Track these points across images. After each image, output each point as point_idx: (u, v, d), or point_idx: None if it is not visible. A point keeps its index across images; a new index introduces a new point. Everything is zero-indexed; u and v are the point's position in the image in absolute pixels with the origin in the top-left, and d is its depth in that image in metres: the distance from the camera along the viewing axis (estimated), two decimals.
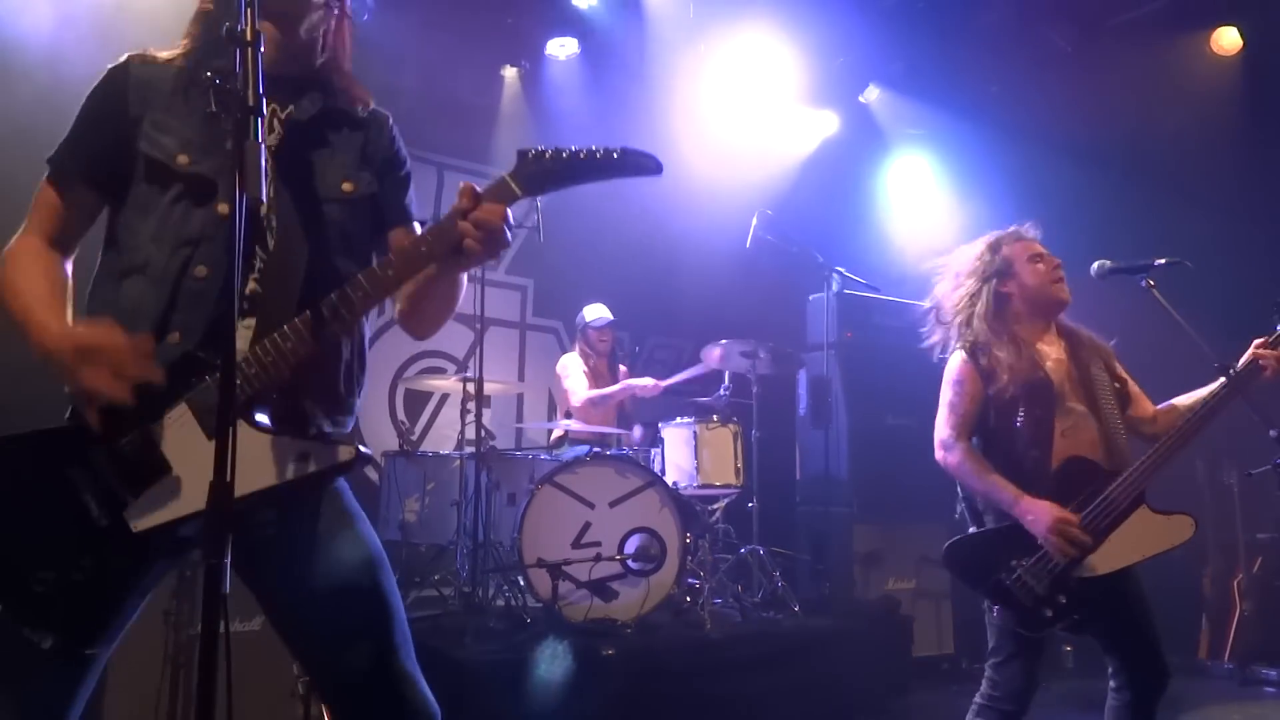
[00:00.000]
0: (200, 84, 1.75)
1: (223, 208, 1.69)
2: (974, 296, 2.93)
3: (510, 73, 6.92)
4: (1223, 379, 2.69)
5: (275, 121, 1.79)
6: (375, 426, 6.30)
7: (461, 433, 5.18)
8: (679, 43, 6.55)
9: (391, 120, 1.97)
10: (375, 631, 1.73)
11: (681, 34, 6.52)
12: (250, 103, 1.41)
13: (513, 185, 1.67)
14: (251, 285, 1.71)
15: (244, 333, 1.67)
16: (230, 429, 1.33)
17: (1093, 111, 6.38)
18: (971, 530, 2.88)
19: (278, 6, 1.74)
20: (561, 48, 6.73)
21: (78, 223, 1.79)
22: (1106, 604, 2.69)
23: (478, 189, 1.67)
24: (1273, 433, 2.73)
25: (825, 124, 7.49)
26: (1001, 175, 6.61)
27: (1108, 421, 2.78)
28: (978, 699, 2.81)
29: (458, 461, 5.11)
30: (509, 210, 1.67)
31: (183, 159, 1.71)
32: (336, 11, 1.87)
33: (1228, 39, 6.29)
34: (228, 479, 1.32)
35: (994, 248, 2.97)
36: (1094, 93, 6.37)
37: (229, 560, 1.30)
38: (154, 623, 2.92)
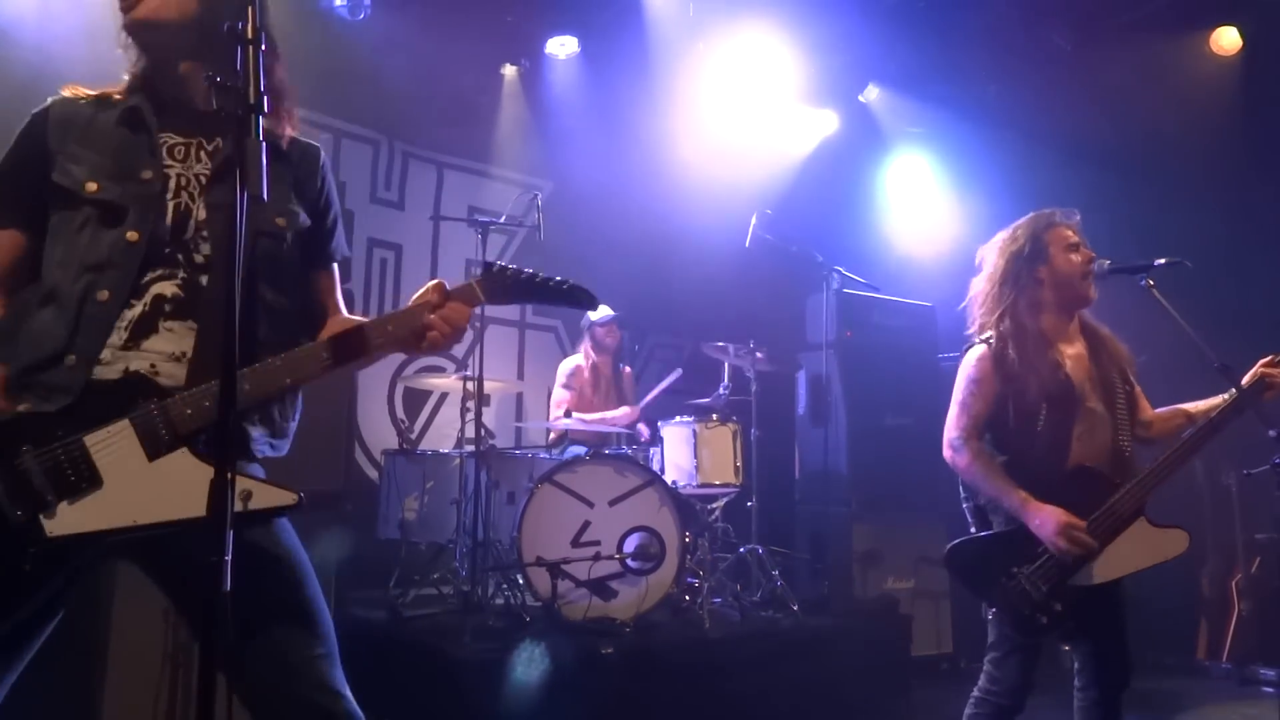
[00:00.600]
0: (122, 114, 1.81)
1: (131, 234, 1.73)
2: (1006, 278, 2.89)
3: (510, 71, 6.91)
4: (1232, 391, 2.70)
5: (202, 154, 1.84)
6: (375, 425, 6.29)
7: (461, 431, 5.17)
8: (679, 42, 6.54)
9: (323, 158, 2.03)
10: (293, 636, 1.71)
11: (681, 33, 6.51)
12: (251, 100, 1.41)
13: (478, 291, 1.87)
14: (173, 289, 1.74)
15: (173, 336, 1.73)
16: (230, 432, 1.34)
17: (1092, 111, 6.39)
18: (974, 533, 2.88)
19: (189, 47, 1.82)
20: (561, 46, 6.73)
21: (8, 266, 1.79)
22: (1087, 603, 2.70)
23: (448, 287, 1.84)
24: (1271, 433, 2.74)
25: (825, 123, 7.50)
26: (1001, 175, 6.61)
27: (1120, 424, 2.79)
28: (975, 693, 2.83)
29: (457, 460, 5.11)
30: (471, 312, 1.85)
31: (91, 185, 1.75)
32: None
33: (1227, 39, 6.29)
34: (227, 481, 1.32)
35: (1032, 230, 2.92)
36: (1093, 93, 6.37)
37: (229, 558, 1.30)
38: (153, 621, 2.92)
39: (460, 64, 6.42)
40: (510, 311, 7.12)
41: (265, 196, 1.39)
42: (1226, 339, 2.92)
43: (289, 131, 1.95)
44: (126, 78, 1.89)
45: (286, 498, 1.66)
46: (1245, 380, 2.73)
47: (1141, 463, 2.75)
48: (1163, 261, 2.83)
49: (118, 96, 1.87)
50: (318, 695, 1.69)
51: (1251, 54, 6.25)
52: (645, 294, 6.81)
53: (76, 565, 1.68)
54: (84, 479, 1.60)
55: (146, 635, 2.88)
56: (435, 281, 1.85)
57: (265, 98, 1.77)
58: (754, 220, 5.67)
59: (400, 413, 6.45)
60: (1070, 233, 2.90)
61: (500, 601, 4.55)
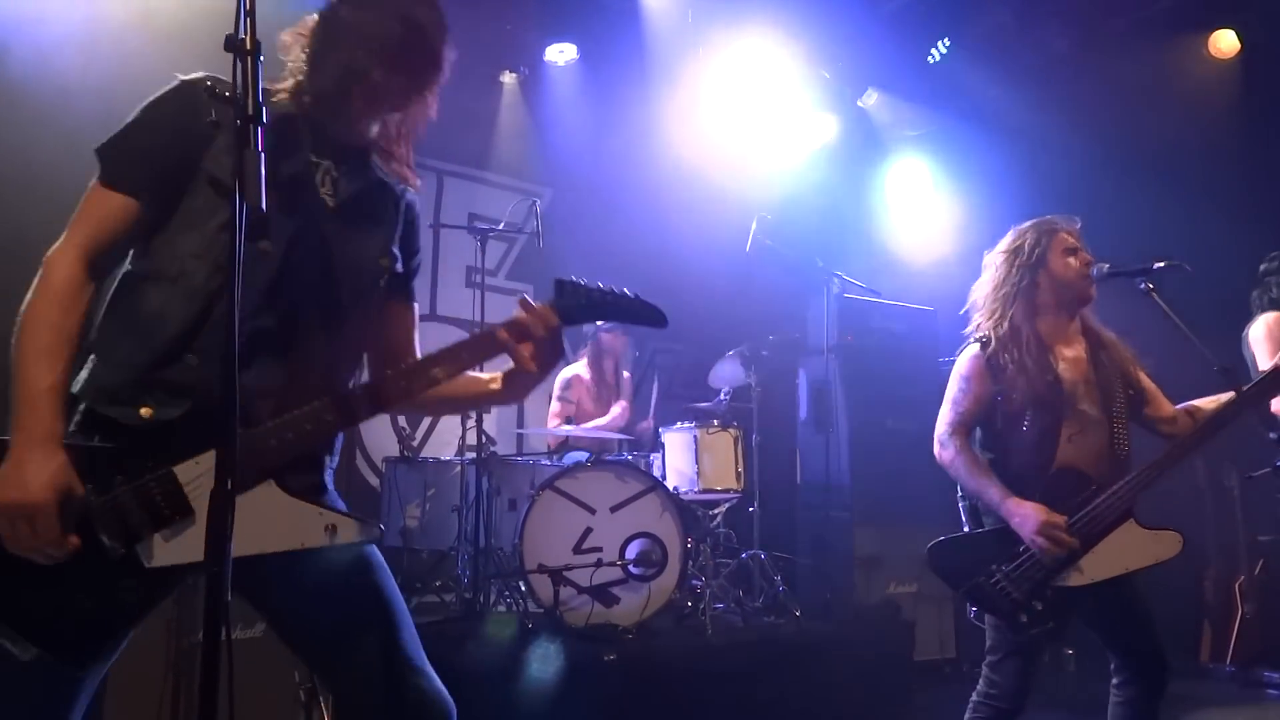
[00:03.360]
0: (274, 121, 1.73)
1: (265, 244, 1.67)
2: (1005, 282, 2.92)
3: (509, 79, 6.93)
4: (1232, 394, 2.70)
5: (328, 179, 1.82)
6: (376, 433, 6.29)
7: (462, 438, 5.17)
8: (677, 48, 6.55)
9: (418, 207, 2.04)
10: (376, 628, 1.75)
11: (680, 39, 6.52)
12: (250, 111, 1.41)
13: (553, 315, 1.85)
14: (272, 321, 1.71)
15: (267, 368, 1.70)
16: (233, 437, 1.34)
17: (1091, 115, 6.39)
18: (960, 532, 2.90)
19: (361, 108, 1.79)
20: (560, 54, 6.74)
21: (125, 237, 1.69)
22: (1100, 605, 2.72)
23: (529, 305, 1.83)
24: (1272, 435, 2.74)
25: (824, 128, 7.50)
26: (1000, 178, 6.62)
27: (1116, 426, 2.79)
28: (975, 697, 2.84)
29: (458, 467, 5.11)
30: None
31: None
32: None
33: (1226, 42, 6.30)
34: (229, 487, 1.33)
35: (1031, 234, 2.95)
36: (1092, 96, 6.38)
37: (230, 568, 1.31)
38: (156, 630, 2.92)
39: (459, 71, 6.37)
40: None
41: (264, 207, 1.39)
42: (1226, 342, 2.92)
43: (407, 177, 1.97)
44: (289, 80, 1.81)
45: (371, 533, 1.72)
46: (1268, 370, 2.73)
47: (1138, 465, 2.75)
48: (1162, 265, 2.84)
49: (278, 95, 1.79)
50: (411, 675, 1.74)
51: (1250, 56, 6.26)
52: (645, 299, 6.80)
53: (178, 588, 1.71)
54: (176, 511, 1.60)
55: (149, 644, 2.88)
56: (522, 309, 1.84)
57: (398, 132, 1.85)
58: (754, 225, 5.68)
59: (401, 420, 6.45)
60: (1070, 237, 2.93)
61: (502, 609, 4.55)
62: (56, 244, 1.67)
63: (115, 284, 1.72)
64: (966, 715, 2.83)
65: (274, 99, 1.78)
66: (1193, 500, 5.91)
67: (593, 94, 6.76)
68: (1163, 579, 2.77)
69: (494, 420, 6.59)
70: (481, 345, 1.84)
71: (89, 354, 1.67)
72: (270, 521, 1.62)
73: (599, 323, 5.74)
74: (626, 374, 6.12)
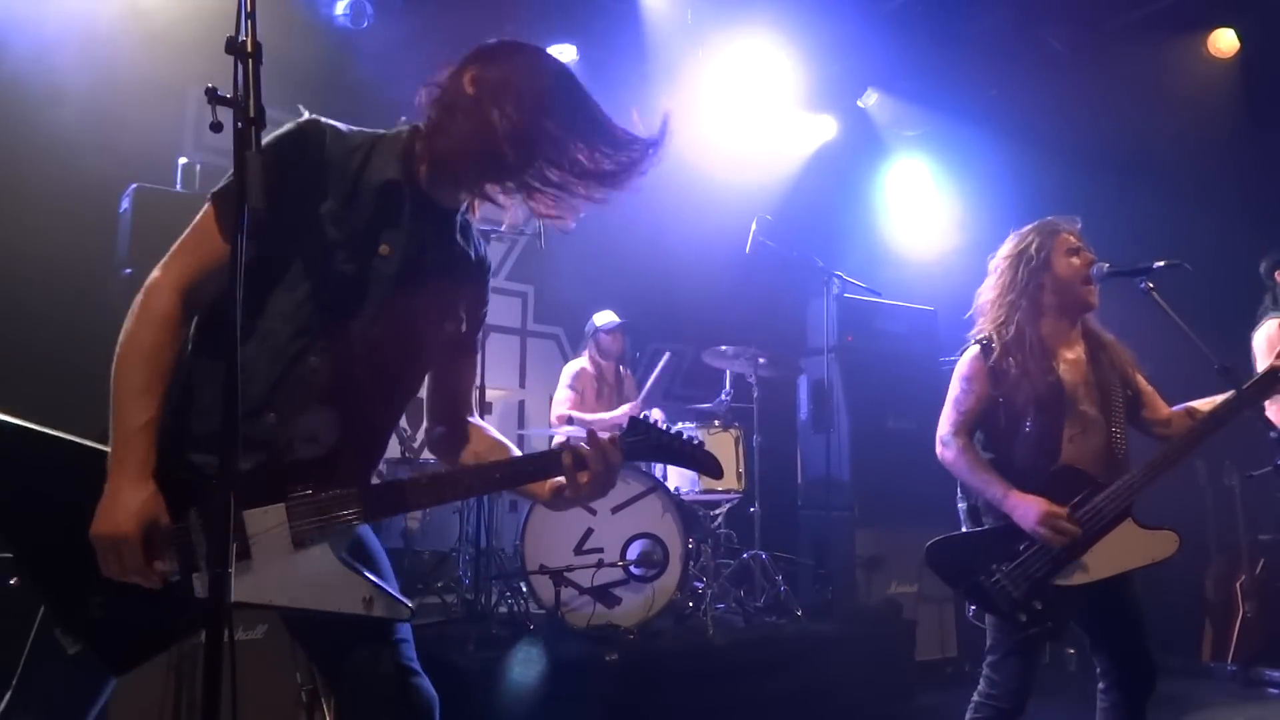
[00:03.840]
0: (374, 184, 1.78)
1: (388, 259, 1.77)
2: (1010, 286, 2.93)
3: None
4: (1232, 393, 2.70)
5: (407, 240, 1.83)
6: None
7: None
8: (677, 48, 6.55)
9: (490, 267, 2.08)
10: (375, 627, 1.82)
11: (680, 39, 6.52)
12: (251, 114, 1.41)
13: (617, 451, 1.86)
14: (330, 367, 1.75)
15: (321, 416, 1.75)
16: (237, 443, 1.35)
17: (1091, 114, 6.40)
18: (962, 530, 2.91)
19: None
20: (560, 54, 6.72)
21: (221, 279, 1.57)
22: (1095, 605, 2.73)
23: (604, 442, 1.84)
24: (1273, 434, 2.74)
25: (824, 128, 7.50)
26: (1000, 178, 6.62)
27: (1115, 427, 2.80)
28: (976, 697, 2.84)
29: None
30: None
31: (340, 255, 1.73)
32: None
33: (1225, 41, 6.30)
34: (230, 489, 1.33)
35: (1034, 237, 2.96)
36: (1092, 95, 6.38)
37: (233, 570, 1.32)
38: None
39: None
40: (512, 319, 7.13)
41: (264, 209, 1.39)
42: (1227, 341, 2.92)
43: (478, 241, 2.03)
44: (404, 131, 1.86)
45: (401, 611, 1.77)
46: (1263, 371, 2.73)
47: (1136, 465, 2.76)
48: (1162, 264, 2.84)
49: (379, 155, 1.81)
50: (400, 674, 1.83)
51: (1249, 56, 6.26)
52: (646, 300, 6.80)
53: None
54: (237, 552, 1.62)
55: None
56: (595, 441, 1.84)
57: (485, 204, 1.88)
58: (754, 226, 5.68)
59: (402, 421, 6.45)
60: (1072, 237, 2.94)
61: (504, 610, 4.55)
62: (158, 270, 1.69)
63: (199, 332, 1.75)
64: (968, 715, 2.84)
65: (354, 144, 1.80)
66: (1194, 499, 5.91)
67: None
68: (1163, 578, 2.77)
69: (495, 421, 6.59)
70: (540, 464, 1.87)
71: (180, 387, 1.70)
72: (316, 582, 1.70)
73: (600, 323, 5.77)
74: (628, 373, 6.12)
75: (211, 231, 1.68)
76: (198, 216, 1.71)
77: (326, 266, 1.73)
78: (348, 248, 1.74)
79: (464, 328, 1.98)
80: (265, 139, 1.63)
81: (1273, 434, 2.74)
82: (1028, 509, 2.65)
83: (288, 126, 1.73)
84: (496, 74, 1.84)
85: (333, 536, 1.72)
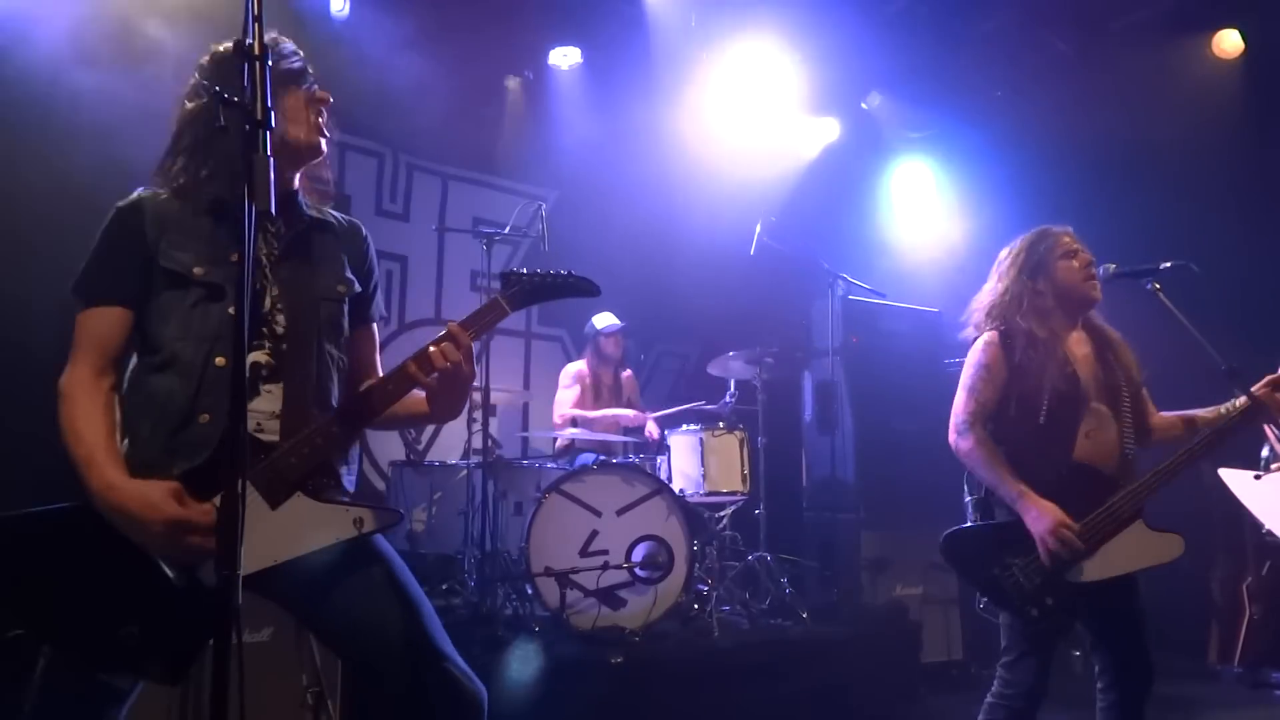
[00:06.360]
0: (202, 208, 1.97)
1: (231, 309, 1.88)
2: (1010, 292, 2.93)
3: (513, 83, 6.93)
4: (1242, 399, 2.70)
5: (269, 235, 2.05)
6: (382, 437, 6.30)
7: (468, 442, 5.18)
8: (681, 51, 6.56)
9: (364, 230, 2.27)
10: (399, 619, 1.91)
11: (684, 42, 6.53)
12: (258, 116, 1.42)
13: (503, 304, 2.06)
14: (265, 358, 1.96)
15: (270, 397, 1.94)
16: (241, 443, 1.35)
17: (1095, 115, 6.38)
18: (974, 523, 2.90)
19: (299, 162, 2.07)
20: (564, 57, 6.74)
21: (120, 342, 1.93)
22: (1099, 604, 2.72)
23: (458, 325, 1.98)
24: (1265, 453, 2.74)
25: (828, 131, 7.51)
26: (1004, 179, 6.61)
27: (1124, 427, 2.80)
28: (990, 697, 2.83)
29: (464, 471, 5.11)
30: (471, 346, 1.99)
31: (198, 270, 1.93)
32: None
33: (1229, 42, 6.29)
34: (237, 492, 1.34)
35: (1031, 244, 2.97)
36: (1096, 97, 6.36)
37: (240, 572, 1.33)
38: None
39: (464, 75, 6.44)
40: (516, 322, 7.13)
41: (274, 210, 1.44)
42: (1234, 341, 2.91)
43: (327, 206, 2.20)
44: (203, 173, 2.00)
45: (391, 517, 1.98)
46: (1256, 389, 2.73)
47: (1143, 466, 2.76)
48: (1168, 265, 2.84)
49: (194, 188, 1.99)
50: (435, 659, 1.93)
51: (1253, 57, 6.25)
52: (651, 302, 6.81)
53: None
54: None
55: None
56: (449, 326, 1.98)
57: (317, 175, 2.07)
58: (759, 228, 5.68)
59: None
60: (1067, 239, 2.94)
61: (509, 612, 4.55)
62: (65, 374, 1.89)
63: (128, 380, 1.96)
64: (981, 717, 2.82)
65: (171, 196, 1.99)
66: (1200, 501, 5.89)
67: (597, 97, 6.76)
68: (1169, 580, 2.77)
69: (499, 424, 6.60)
70: (396, 382, 1.98)
71: (121, 437, 1.89)
72: (305, 526, 1.85)
73: (600, 326, 5.77)
74: (629, 374, 6.12)
75: (86, 315, 1.91)
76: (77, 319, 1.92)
77: (192, 282, 1.91)
78: (202, 263, 1.93)
79: (357, 288, 2.14)
80: (97, 236, 1.95)
81: (1265, 452, 2.75)
82: (1040, 516, 2.63)
83: (107, 219, 1.98)
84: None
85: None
